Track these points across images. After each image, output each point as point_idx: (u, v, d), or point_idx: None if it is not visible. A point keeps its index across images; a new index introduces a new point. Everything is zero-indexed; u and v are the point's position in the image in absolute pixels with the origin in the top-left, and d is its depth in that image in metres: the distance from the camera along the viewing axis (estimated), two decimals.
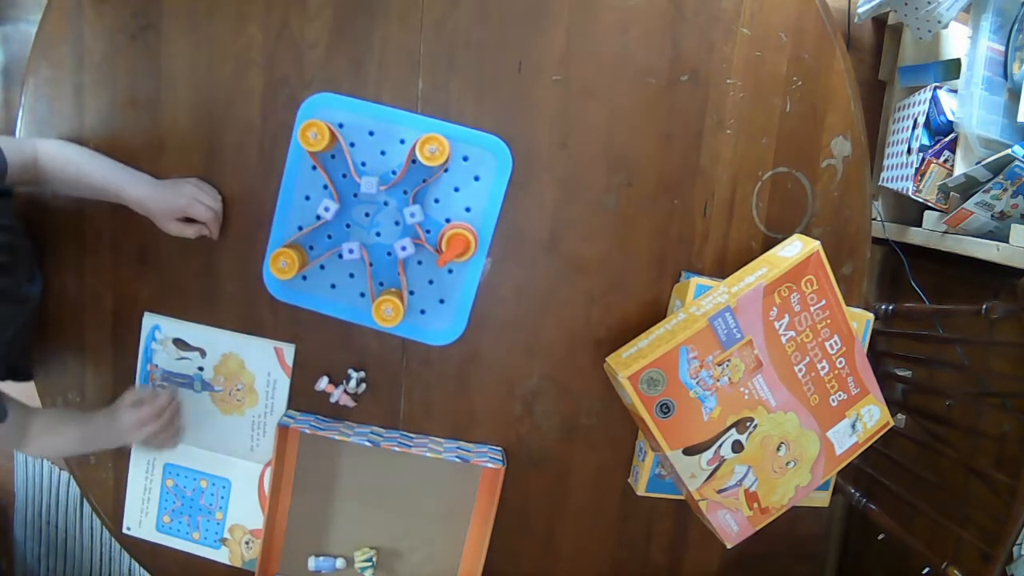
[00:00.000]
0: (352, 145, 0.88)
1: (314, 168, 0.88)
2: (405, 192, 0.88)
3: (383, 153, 0.88)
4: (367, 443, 0.91)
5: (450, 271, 0.90)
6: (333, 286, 0.91)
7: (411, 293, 0.91)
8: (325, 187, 0.88)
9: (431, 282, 0.91)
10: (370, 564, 0.96)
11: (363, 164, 0.88)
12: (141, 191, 0.87)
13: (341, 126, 0.87)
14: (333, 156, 0.88)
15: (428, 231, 0.89)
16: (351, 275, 0.91)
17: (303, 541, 0.97)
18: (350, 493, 0.96)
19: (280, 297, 0.92)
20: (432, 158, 0.82)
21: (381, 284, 0.90)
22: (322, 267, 0.90)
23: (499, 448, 0.96)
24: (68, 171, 0.87)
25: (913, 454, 1.11)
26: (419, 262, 0.90)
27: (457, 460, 0.91)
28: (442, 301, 0.91)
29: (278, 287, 0.92)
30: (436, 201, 0.89)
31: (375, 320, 0.85)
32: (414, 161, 0.85)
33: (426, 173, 0.87)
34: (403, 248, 0.86)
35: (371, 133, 0.88)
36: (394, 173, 0.88)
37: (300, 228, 0.90)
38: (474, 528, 0.96)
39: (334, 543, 0.97)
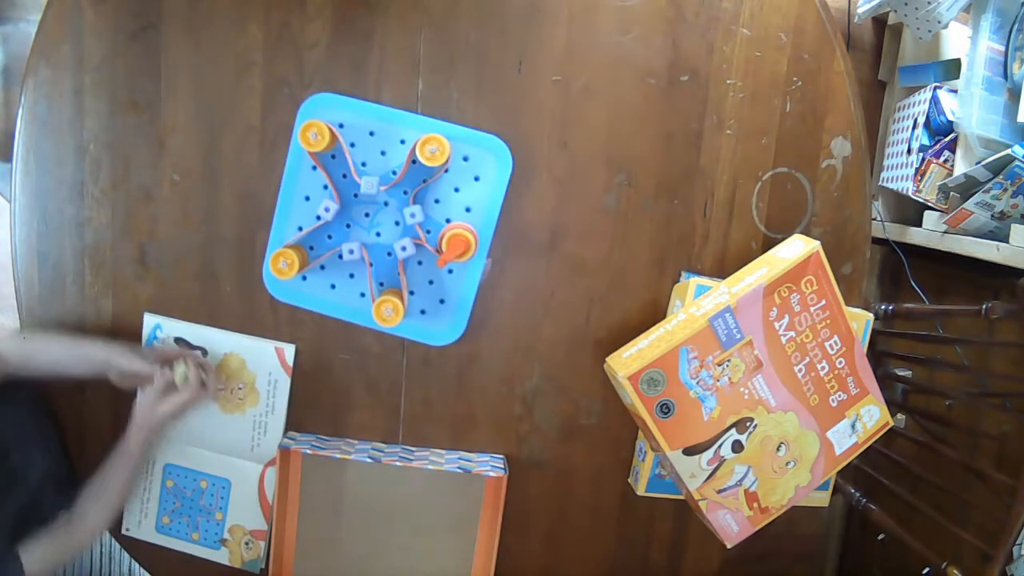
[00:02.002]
0: (352, 145, 0.88)
1: (314, 168, 0.88)
2: (405, 192, 0.88)
3: (383, 153, 0.88)
4: (368, 460, 0.91)
5: (450, 271, 0.90)
6: (333, 286, 0.91)
7: (411, 293, 0.91)
8: (325, 187, 0.88)
9: (431, 282, 0.91)
10: None
11: (363, 164, 0.88)
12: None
13: (341, 126, 0.87)
14: (333, 156, 0.88)
15: (428, 231, 0.89)
16: (351, 275, 0.91)
17: (313, 561, 0.96)
18: (356, 510, 0.96)
19: (280, 297, 0.92)
20: (432, 158, 0.82)
21: (381, 284, 0.90)
22: (322, 267, 0.90)
23: (500, 456, 0.96)
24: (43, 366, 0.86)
25: (913, 454, 1.11)
26: (419, 262, 0.90)
27: (459, 471, 0.91)
28: (442, 301, 0.91)
29: (278, 287, 0.92)
30: (436, 201, 0.89)
31: (375, 320, 0.85)
32: (414, 161, 0.85)
33: (426, 173, 0.87)
34: (403, 248, 0.86)
35: (371, 133, 0.87)
36: (394, 173, 0.88)
37: (300, 228, 0.90)
38: (482, 536, 0.96)
39: (344, 560, 0.97)
